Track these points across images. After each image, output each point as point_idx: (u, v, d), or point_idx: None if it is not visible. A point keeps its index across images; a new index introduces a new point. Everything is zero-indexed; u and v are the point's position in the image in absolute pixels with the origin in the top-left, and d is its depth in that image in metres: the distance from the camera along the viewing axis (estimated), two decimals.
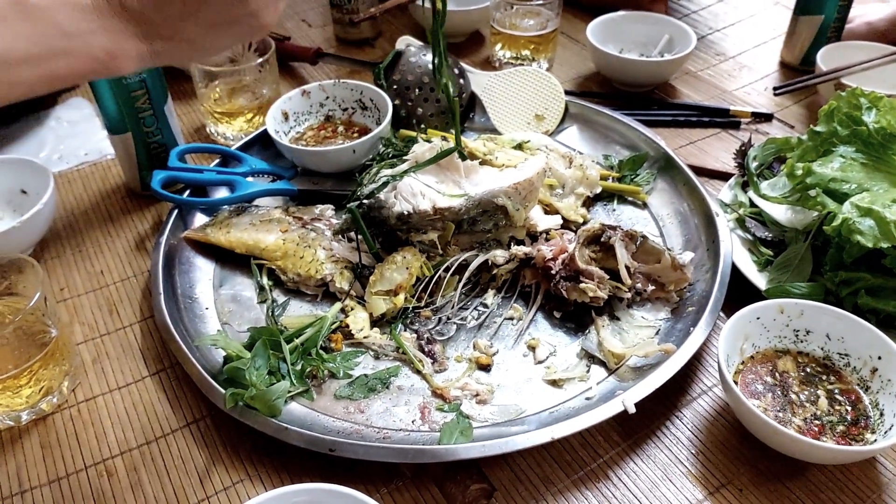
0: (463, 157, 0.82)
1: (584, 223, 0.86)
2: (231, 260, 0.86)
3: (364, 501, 0.53)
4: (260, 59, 1.01)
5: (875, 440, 0.63)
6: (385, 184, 0.79)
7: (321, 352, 0.73)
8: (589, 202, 0.92)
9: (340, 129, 1.00)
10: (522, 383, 0.72)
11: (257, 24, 0.50)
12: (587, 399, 0.69)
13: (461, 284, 0.80)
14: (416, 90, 1.00)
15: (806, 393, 0.67)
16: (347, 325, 0.76)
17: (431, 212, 0.77)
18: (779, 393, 0.67)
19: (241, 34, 0.52)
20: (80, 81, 0.48)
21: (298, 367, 0.72)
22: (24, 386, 0.68)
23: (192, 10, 0.48)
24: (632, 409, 0.65)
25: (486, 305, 0.80)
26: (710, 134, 1.06)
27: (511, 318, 0.79)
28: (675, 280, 0.78)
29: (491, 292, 0.81)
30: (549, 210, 0.88)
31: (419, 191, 0.79)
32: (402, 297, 0.77)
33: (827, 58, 1.07)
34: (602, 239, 0.78)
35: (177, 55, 0.51)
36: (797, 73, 1.17)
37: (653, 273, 0.78)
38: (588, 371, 0.72)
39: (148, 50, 0.49)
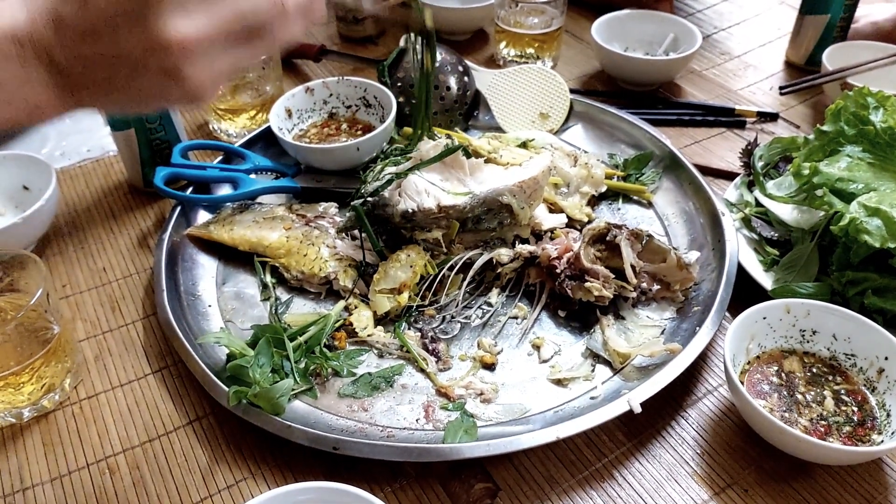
0: (468, 155, 0.81)
1: (589, 222, 0.86)
2: (234, 257, 0.85)
3: (369, 500, 0.53)
4: (263, 56, 1.01)
5: (882, 441, 0.62)
6: (389, 181, 0.78)
7: (325, 350, 0.73)
8: (594, 201, 0.91)
9: (344, 126, 1.00)
10: (527, 382, 0.72)
11: (192, 101, 0.48)
12: (592, 398, 0.69)
13: (465, 283, 0.79)
14: None
15: (812, 393, 0.67)
16: (351, 324, 0.76)
17: (436, 210, 0.77)
18: (785, 393, 0.67)
19: (171, 105, 0.51)
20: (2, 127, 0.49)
21: (302, 365, 0.71)
22: (26, 383, 0.68)
23: (124, 84, 0.47)
24: (637, 409, 0.64)
25: (490, 304, 0.79)
26: (715, 133, 1.06)
27: (515, 317, 0.78)
28: (681, 279, 0.77)
29: (495, 291, 0.80)
30: (554, 209, 0.88)
31: (424, 189, 0.78)
32: (406, 295, 0.77)
33: (832, 57, 1.07)
34: (607, 238, 0.77)
35: (104, 109, 0.52)
36: (802, 72, 1.17)
37: (658, 272, 0.78)
38: (593, 370, 0.72)
39: (73, 102, 0.48)
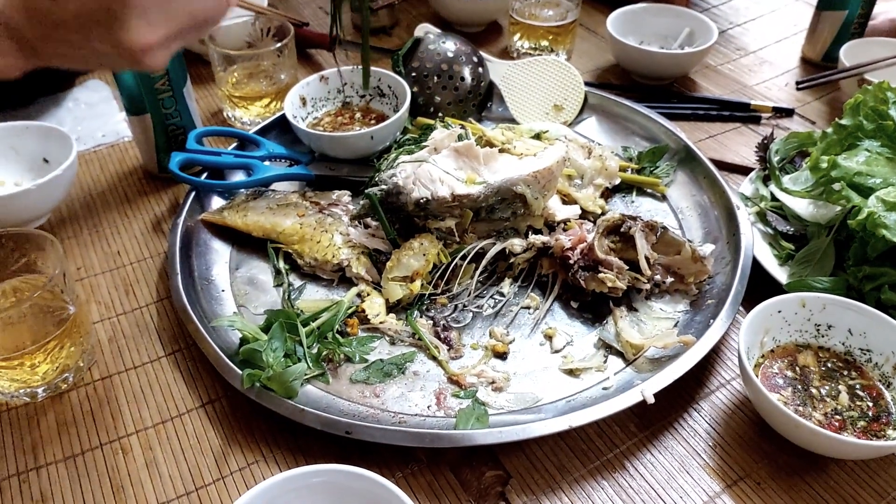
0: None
1: (603, 214, 0.85)
2: (247, 243, 0.85)
3: (381, 483, 0.53)
4: (278, 45, 1.01)
5: None
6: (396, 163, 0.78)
7: (337, 336, 0.73)
8: (607, 193, 0.91)
9: (358, 115, 1.00)
10: (539, 372, 0.71)
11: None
12: (604, 389, 0.69)
13: (478, 272, 0.79)
14: (435, 77, 0.99)
15: (827, 388, 0.67)
16: (363, 311, 0.76)
17: (450, 199, 0.77)
18: (799, 387, 0.67)
19: (123, 68, 0.56)
20: None
21: (314, 351, 0.72)
22: (42, 363, 0.68)
23: (90, 60, 0.54)
24: (651, 400, 0.64)
25: (502, 294, 0.79)
26: (731, 128, 1.05)
27: (528, 307, 0.78)
28: (695, 272, 0.77)
29: (507, 281, 0.80)
30: (567, 200, 0.88)
31: (438, 177, 0.78)
32: (418, 283, 0.77)
33: (850, 54, 1.06)
34: (622, 229, 0.77)
35: (63, 67, 0.57)
36: (819, 69, 1.16)
37: (672, 265, 0.78)
38: (605, 361, 0.72)
39: (36, 64, 0.54)
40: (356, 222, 0.84)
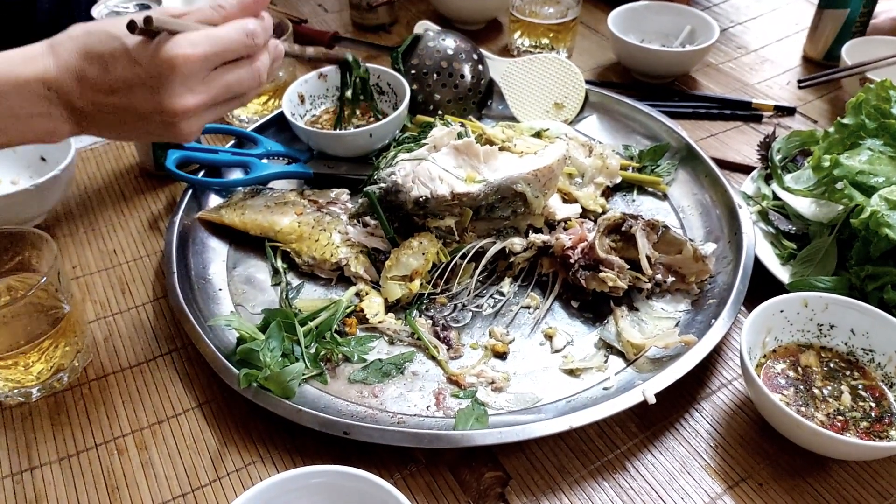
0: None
1: (603, 213, 0.85)
2: (245, 242, 0.85)
3: (379, 484, 0.52)
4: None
5: None
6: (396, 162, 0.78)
7: (335, 335, 0.72)
8: (608, 192, 0.90)
9: (357, 113, 0.99)
10: (539, 372, 0.71)
11: (180, 141, 0.61)
12: (605, 389, 0.68)
13: (478, 272, 0.79)
14: (435, 75, 0.98)
15: (829, 388, 0.66)
16: (362, 310, 0.75)
17: (449, 197, 0.76)
18: (801, 387, 0.66)
19: (158, 140, 0.65)
20: (19, 145, 0.62)
21: (312, 350, 0.71)
22: (36, 362, 0.68)
23: (129, 126, 0.60)
24: (652, 400, 0.63)
25: (502, 293, 0.79)
26: (732, 127, 1.05)
27: (528, 307, 0.78)
28: (697, 272, 0.76)
29: (507, 280, 0.80)
30: (568, 199, 0.87)
31: (437, 175, 0.77)
32: (417, 282, 0.76)
33: (851, 52, 1.05)
34: (623, 228, 0.76)
35: (106, 138, 0.66)
36: (820, 67, 1.15)
37: (674, 264, 0.77)
38: (606, 361, 0.71)
39: (77, 132, 0.61)
40: (355, 221, 0.83)
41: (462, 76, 1.00)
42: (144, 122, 0.59)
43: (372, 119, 0.97)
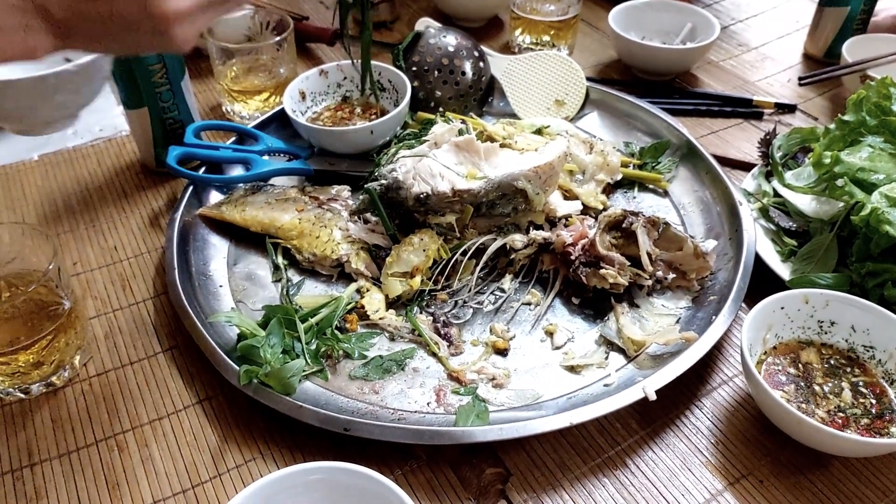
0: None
1: (604, 210, 0.85)
2: (246, 238, 0.85)
3: (380, 480, 0.52)
4: (278, 38, 1.00)
5: None
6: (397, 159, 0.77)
7: (336, 332, 0.72)
8: (609, 189, 0.90)
9: (358, 110, 0.99)
10: (539, 368, 0.71)
11: (175, 51, 0.56)
12: (606, 386, 0.68)
13: (478, 268, 0.78)
14: (436, 72, 0.98)
15: (829, 385, 0.66)
16: (363, 306, 0.75)
17: (450, 194, 0.76)
18: (802, 384, 0.66)
19: (154, 52, 0.57)
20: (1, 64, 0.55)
21: (313, 347, 0.71)
22: (36, 358, 0.68)
23: (116, 37, 0.53)
24: (652, 396, 0.63)
25: (503, 290, 0.79)
26: (733, 124, 1.05)
27: (528, 304, 0.78)
28: (697, 268, 0.76)
29: (508, 277, 0.80)
30: (569, 196, 0.87)
31: (438, 172, 0.77)
32: (418, 279, 0.76)
33: (852, 50, 1.05)
34: (624, 225, 0.76)
35: (91, 52, 0.60)
36: (821, 65, 1.15)
37: (674, 261, 0.77)
38: (607, 358, 0.71)
39: (61, 45, 0.54)
40: (356, 217, 0.83)
41: (463, 73, 0.99)
42: (133, 33, 0.52)
43: (373, 116, 0.97)
